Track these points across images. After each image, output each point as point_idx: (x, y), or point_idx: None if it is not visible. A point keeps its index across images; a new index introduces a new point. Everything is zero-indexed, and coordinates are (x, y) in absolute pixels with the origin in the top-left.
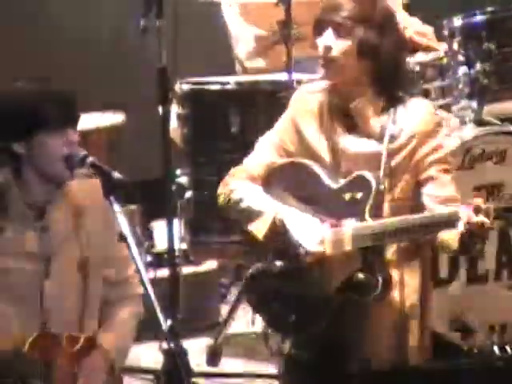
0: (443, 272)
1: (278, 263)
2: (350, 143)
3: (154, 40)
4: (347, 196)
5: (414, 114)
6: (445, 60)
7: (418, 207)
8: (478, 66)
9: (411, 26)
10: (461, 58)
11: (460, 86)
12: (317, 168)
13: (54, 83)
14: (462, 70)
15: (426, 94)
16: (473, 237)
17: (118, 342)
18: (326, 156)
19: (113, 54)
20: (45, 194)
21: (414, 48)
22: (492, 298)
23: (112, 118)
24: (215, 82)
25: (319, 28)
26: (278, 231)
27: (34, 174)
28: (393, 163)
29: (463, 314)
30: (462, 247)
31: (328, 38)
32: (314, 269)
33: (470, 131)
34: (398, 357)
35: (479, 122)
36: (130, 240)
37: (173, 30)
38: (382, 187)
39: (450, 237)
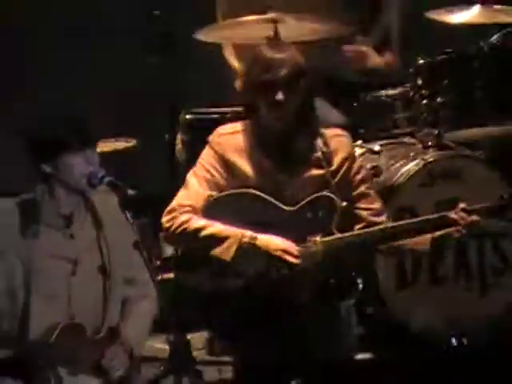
0: (408, 274)
1: (240, 281)
2: (288, 171)
3: (163, 75)
4: (309, 215)
5: (339, 141)
6: (411, 93)
7: (354, 219)
8: (439, 99)
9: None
10: (424, 92)
11: (423, 116)
12: (263, 195)
13: (76, 114)
14: (425, 102)
15: (394, 122)
16: (459, 235)
17: (137, 334)
18: (265, 185)
19: (127, 88)
20: (71, 206)
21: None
22: (450, 298)
23: (125, 143)
24: (214, 113)
25: (267, 86)
26: (246, 252)
27: (61, 190)
28: (333, 184)
29: (426, 311)
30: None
31: (279, 94)
32: (286, 281)
33: (432, 154)
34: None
35: (440, 147)
36: (142, 247)
37: (181, 67)
38: (343, 204)
39: (419, 241)
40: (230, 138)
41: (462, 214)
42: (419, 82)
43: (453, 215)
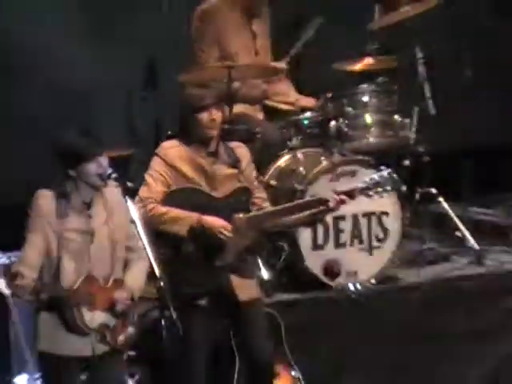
0: (320, 239)
1: (191, 247)
2: (216, 170)
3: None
4: (232, 200)
5: (241, 151)
6: (321, 117)
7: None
8: (341, 120)
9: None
10: (330, 116)
11: (330, 132)
12: (200, 187)
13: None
14: (332, 123)
15: (310, 136)
16: (329, 212)
17: (135, 284)
18: (202, 181)
19: (126, 115)
20: (90, 196)
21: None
22: (349, 256)
23: (127, 151)
24: None
25: (207, 109)
26: (196, 228)
27: (83, 185)
28: (242, 179)
29: (332, 265)
30: (314, 219)
31: (213, 113)
32: (219, 247)
33: (337, 158)
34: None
35: (340, 153)
36: (138, 223)
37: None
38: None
39: (301, 215)
40: (173, 150)
41: (334, 196)
42: (328, 108)
43: (326, 196)
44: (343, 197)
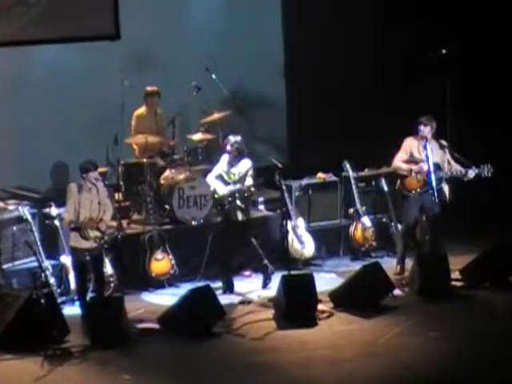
0: (185, 204)
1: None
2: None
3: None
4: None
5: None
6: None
7: None
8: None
9: None
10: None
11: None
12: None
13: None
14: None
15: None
16: None
17: (107, 220)
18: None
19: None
20: (91, 185)
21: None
22: (193, 210)
23: (106, 169)
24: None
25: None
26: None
27: (88, 182)
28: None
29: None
30: None
31: None
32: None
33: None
34: None
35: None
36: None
37: None
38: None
39: None
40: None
41: None
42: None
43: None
44: None
